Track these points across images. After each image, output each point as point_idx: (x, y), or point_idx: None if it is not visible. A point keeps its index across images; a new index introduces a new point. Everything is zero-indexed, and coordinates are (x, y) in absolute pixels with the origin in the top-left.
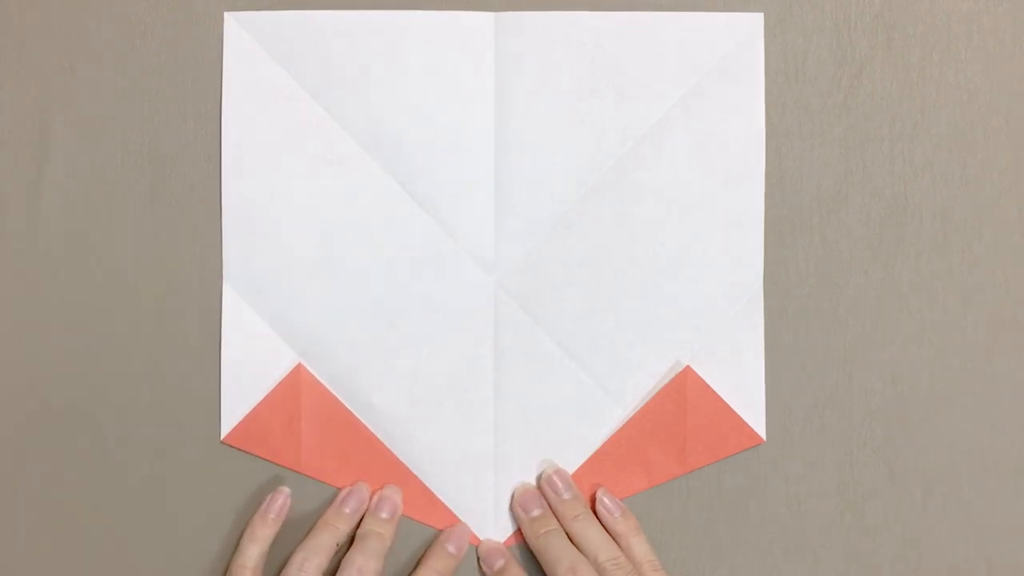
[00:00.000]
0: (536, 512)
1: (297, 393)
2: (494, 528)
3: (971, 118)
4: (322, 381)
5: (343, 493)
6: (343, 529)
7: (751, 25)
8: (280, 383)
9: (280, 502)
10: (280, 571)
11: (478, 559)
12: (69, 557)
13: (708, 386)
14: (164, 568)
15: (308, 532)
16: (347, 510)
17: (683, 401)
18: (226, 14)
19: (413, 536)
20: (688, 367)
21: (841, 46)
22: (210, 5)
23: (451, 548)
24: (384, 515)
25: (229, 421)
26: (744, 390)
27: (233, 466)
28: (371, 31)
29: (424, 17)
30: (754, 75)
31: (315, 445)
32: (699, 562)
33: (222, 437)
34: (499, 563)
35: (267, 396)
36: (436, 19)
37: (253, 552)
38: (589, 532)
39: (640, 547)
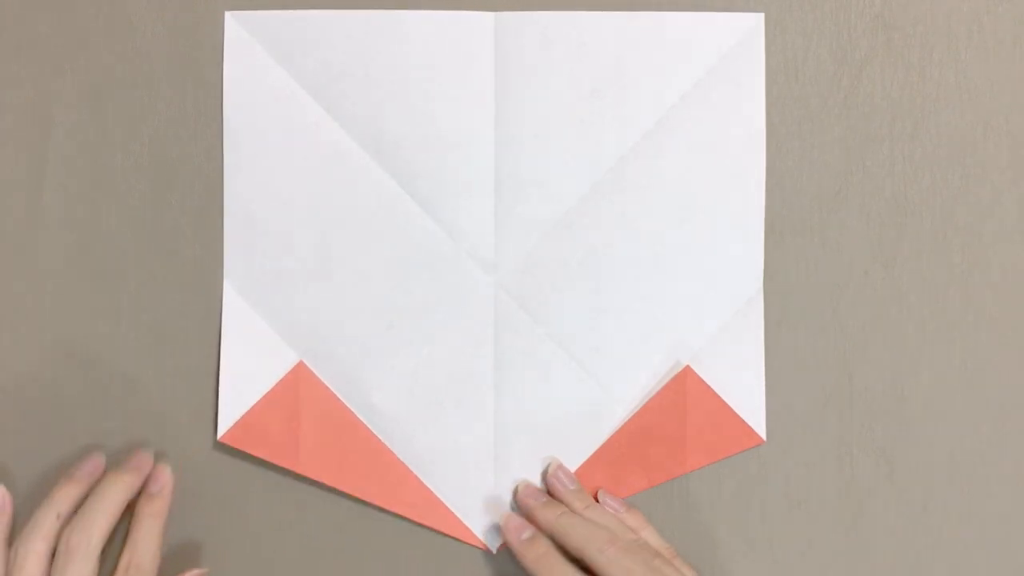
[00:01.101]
0: (544, 499)
1: (296, 392)
2: (494, 528)
3: (971, 118)
4: (322, 380)
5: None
6: (71, 501)
7: (752, 25)
8: (280, 382)
9: (91, 465)
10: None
11: (504, 532)
12: None
13: (708, 386)
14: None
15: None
16: (80, 474)
17: (683, 401)
18: (227, 14)
19: (413, 537)
20: (688, 367)
21: (841, 46)
22: (210, 5)
23: (153, 487)
24: (154, 488)
25: (227, 420)
26: (744, 390)
27: (231, 465)
28: (371, 31)
29: (424, 17)
30: (754, 75)
31: (314, 444)
32: (699, 562)
33: (219, 436)
34: (527, 534)
35: (266, 395)
36: (436, 19)
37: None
38: (603, 519)
39: (652, 537)
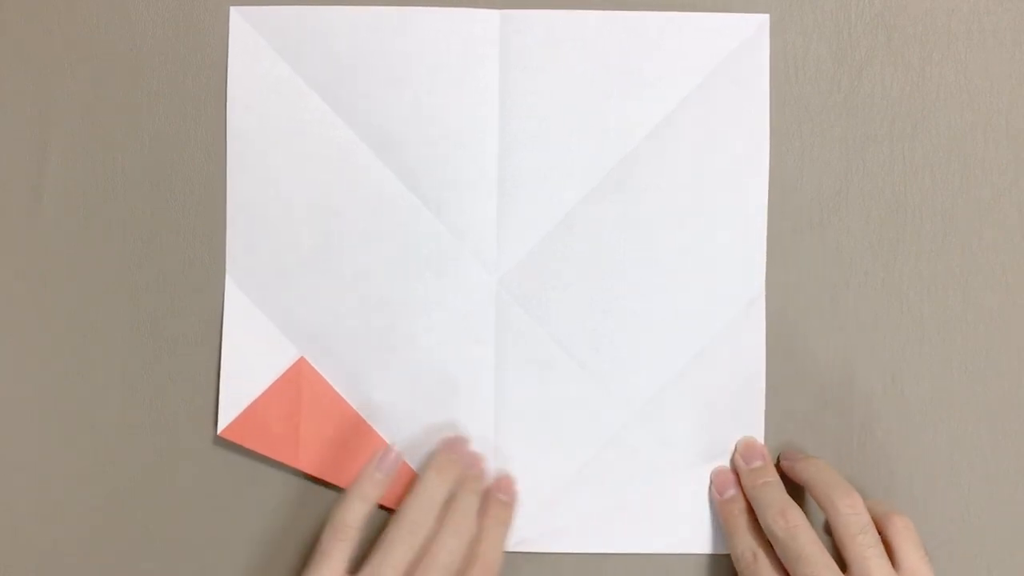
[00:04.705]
0: (757, 464)
1: (298, 388)
2: None
3: (971, 118)
4: (323, 376)
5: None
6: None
7: (756, 26)
8: (281, 377)
9: (391, 459)
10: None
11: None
12: (66, 551)
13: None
14: (161, 561)
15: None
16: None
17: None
18: (232, 9)
19: None
20: None
21: (841, 46)
22: (216, 0)
23: (504, 496)
24: (504, 497)
25: (227, 415)
26: (744, 390)
27: (230, 460)
28: (376, 27)
29: (430, 14)
30: (759, 76)
31: (313, 441)
32: (699, 563)
33: (219, 431)
34: (757, 463)
35: (267, 390)
36: (442, 16)
37: (360, 510)
38: (826, 474)
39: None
